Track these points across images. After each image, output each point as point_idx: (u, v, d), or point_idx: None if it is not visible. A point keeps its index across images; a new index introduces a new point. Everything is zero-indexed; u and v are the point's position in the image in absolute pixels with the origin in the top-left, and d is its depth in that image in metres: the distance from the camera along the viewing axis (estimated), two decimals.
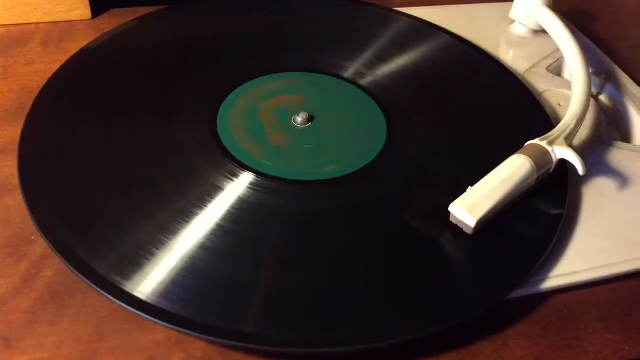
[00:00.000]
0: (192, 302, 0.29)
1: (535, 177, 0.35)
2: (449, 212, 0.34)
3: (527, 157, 0.35)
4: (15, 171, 0.35)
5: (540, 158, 0.36)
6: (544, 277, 0.33)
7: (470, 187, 0.34)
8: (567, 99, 0.42)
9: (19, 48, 0.46)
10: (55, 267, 0.32)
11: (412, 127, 0.41)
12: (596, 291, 0.34)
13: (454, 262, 0.33)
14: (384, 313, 0.30)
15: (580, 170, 0.36)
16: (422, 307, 0.31)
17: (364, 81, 0.44)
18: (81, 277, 0.30)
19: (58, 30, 0.49)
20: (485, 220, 0.33)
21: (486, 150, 0.40)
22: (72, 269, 0.30)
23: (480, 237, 0.34)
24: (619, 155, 0.41)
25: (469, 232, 0.33)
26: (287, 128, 0.40)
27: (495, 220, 0.34)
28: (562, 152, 0.36)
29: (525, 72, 0.48)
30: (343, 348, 0.29)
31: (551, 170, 0.37)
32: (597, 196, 0.39)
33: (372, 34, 0.48)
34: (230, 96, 0.41)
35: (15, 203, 0.35)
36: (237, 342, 0.28)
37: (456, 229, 0.34)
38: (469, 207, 0.33)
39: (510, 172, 0.35)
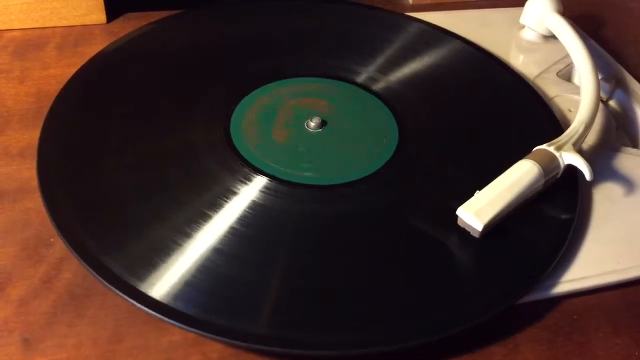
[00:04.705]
0: (207, 303, 0.30)
1: (542, 182, 0.36)
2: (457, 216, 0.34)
3: (534, 162, 0.36)
4: (33, 174, 0.36)
5: (548, 163, 0.36)
6: (554, 281, 0.34)
7: (478, 191, 0.35)
8: (578, 105, 0.42)
9: (36, 52, 0.47)
10: (73, 269, 0.33)
11: (422, 131, 0.41)
12: (606, 296, 0.34)
13: (465, 266, 0.34)
14: (396, 316, 0.31)
15: (588, 175, 0.36)
16: (432, 311, 0.31)
17: (376, 86, 0.45)
18: (99, 278, 0.30)
19: (74, 34, 0.49)
20: (492, 224, 0.34)
21: (495, 154, 0.40)
22: (91, 270, 0.30)
23: (493, 242, 0.34)
24: (628, 161, 0.42)
25: (477, 235, 0.34)
26: (300, 132, 0.40)
27: (507, 224, 0.35)
28: (569, 157, 0.37)
29: (535, 77, 0.49)
30: (355, 350, 0.29)
31: (559, 176, 0.37)
32: (606, 201, 0.39)
33: (384, 39, 0.49)
34: (244, 100, 0.42)
35: (34, 205, 0.35)
36: (253, 344, 0.29)
37: (468, 233, 0.34)
38: (477, 211, 0.33)
39: (517, 177, 0.35)
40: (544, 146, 0.37)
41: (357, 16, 0.51)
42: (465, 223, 0.34)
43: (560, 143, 0.37)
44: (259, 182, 0.36)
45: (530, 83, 0.47)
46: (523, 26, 0.53)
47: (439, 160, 0.40)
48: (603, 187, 0.40)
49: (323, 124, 0.41)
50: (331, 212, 0.36)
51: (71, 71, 0.43)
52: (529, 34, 0.53)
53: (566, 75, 0.50)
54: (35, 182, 0.35)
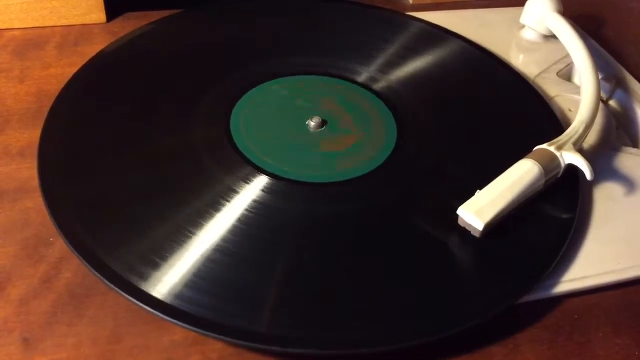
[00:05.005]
0: (208, 302, 0.30)
1: (543, 181, 0.36)
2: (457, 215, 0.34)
3: (535, 162, 0.36)
4: (33, 173, 0.35)
5: (549, 162, 0.36)
6: (554, 281, 0.34)
7: (478, 190, 0.35)
8: (578, 104, 0.42)
9: (36, 51, 0.47)
10: (73, 269, 0.33)
11: (422, 130, 0.41)
12: (606, 296, 0.34)
13: (465, 265, 0.34)
14: (396, 316, 0.31)
15: (588, 175, 0.36)
16: (432, 311, 0.31)
17: (377, 85, 0.45)
18: (99, 276, 0.30)
19: (73, 33, 0.49)
20: (493, 224, 0.34)
21: (495, 154, 0.40)
22: (91, 269, 0.30)
23: (493, 241, 0.34)
24: (629, 161, 0.42)
25: (477, 235, 0.34)
26: (301, 131, 0.40)
27: (508, 224, 0.35)
28: (570, 157, 0.37)
29: (535, 76, 0.49)
30: (355, 350, 0.29)
31: (559, 175, 0.37)
32: (607, 201, 0.39)
33: (385, 39, 0.49)
34: (244, 99, 0.42)
35: (34, 205, 0.35)
36: (253, 343, 0.29)
37: (468, 233, 0.34)
38: (477, 211, 0.33)
39: (518, 176, 0.35)
40: (544, 145, 0.37)
41: (357, 16, 0.51)
42: (466, 222, 0.34)
43: (560, 142, 0.37)
44: (260, 181, 0.36)
45: (531, 82, 0.47)
46: (523, 26, 0.53)
47: (439, 159, 0.40)
48: (603, 186, 0.40)
49: (323, 123, 0.41)
50: (331, 210, 0.36)
51: (71, 70, 0.42)
52: (529, 34, 0.53)
53: (566, 74, 0.50)
54: (35, 182, 0.35)
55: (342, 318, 0.30)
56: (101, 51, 0.44)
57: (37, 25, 0.49)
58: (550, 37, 0.52)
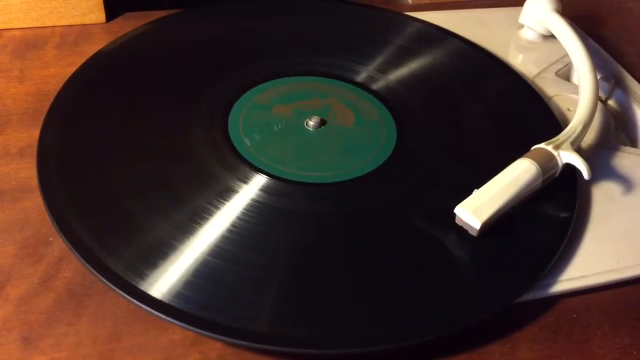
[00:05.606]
0: (207, 302, 0.30)
1: (540, 180, 0.36)
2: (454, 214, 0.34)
3: (532, 161, 0.36)
4: (33, 173, 0.36)
5: (546, 162, 0.36)
6: (553, 280, 0.34)
7: (476, 189, 0.35)
8: (576, 104, 0.42)
9: (35, 51, 0.47)
10: (73, 268, 0.33)
11: (421, 130, 0.42)
12: (605, 295, 0.35)
13: (464, 265, 0.34)
14: (394, 316, 0.31)
15: (586, 174, 0.36)
16: (431, 310, 0.31)
17: (376, 85, 0.45)
18: (99, 276, 0.30)
19: (73, 33, 0.49)
20: (490, 223, 0.34)
21: (494, 153, 0.40)
22: (90, 268, 0.31)
23: (491, 240, 0.34)
24: (627, 160, 0.42)
25: (474, 234, 0.34)
26: (299, 131, 0.40)
27: (505, 223, 0.35)
28: (568, 156, 0.37)
29: (534, 76, 0.49)
30: (354, 349, 0.29)
31: (557, 174, 0.37)
32: (605, 201, 0.39)
33: (384, 39, 0.49)
34: (243, 99, 0.42)
35: (33, 205, 0.35)
36: (252, 342, 0.29)
37: (467, 232, 0.34)
38: (475, 210, 0.33)
39: (515, 176, 0.35)
40: (542, 145, 0.37)
41: (356, 16, 0.51)
42: (463, 221, 0.34)
43: (558, 142, 0.37)
44: (258, 181, 0.36)
45: (529, 82, 0.47)
46: (522, 25, 0.53)
47: (438, 158, 0.40)
48: (602, 185, 0.40)
49: (322, 123, 0.41)
50: (330, 210, 0.36)
51: (71, 70, 0.43)
52: (528, 34, 0.53)
53: (565, 74, 0.50)
54: (34, 182, 0.35)
55: (342, 318, 0.30)
56: (100, 51, 0.44)
57: (36, 25, 0.49)
58: (549, 36, 0.52)
